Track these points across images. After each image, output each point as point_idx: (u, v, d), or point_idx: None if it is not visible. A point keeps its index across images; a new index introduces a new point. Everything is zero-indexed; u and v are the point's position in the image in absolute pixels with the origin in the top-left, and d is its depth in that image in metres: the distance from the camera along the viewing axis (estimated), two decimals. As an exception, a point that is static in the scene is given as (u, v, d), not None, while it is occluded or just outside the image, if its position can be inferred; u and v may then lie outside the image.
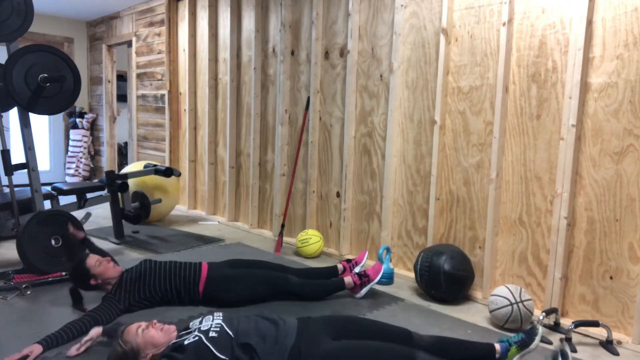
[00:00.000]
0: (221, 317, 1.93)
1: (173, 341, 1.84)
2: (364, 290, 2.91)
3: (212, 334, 1.82)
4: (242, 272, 2.75)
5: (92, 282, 2.49)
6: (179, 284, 2.58)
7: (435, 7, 3.16)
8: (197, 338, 1.80)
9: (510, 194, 2.89)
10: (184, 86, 5.36)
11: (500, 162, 2.90)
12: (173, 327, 1.92)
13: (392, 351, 1.86)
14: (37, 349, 2.03)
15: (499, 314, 2.56)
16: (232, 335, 1.83)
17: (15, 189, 3.31)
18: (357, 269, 3.09)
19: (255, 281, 2.73)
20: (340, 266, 3.09)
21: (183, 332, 1.90)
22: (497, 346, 2.04)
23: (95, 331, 2.17)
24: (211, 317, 1.95)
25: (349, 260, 3.12)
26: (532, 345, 2.02)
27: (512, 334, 2.26)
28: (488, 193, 2.95)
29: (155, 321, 1.90)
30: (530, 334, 2.05)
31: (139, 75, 6.04)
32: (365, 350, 1.85)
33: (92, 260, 2.52)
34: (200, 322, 1.92)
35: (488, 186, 2.96)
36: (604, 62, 2.50)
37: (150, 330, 1.84)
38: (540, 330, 2.06)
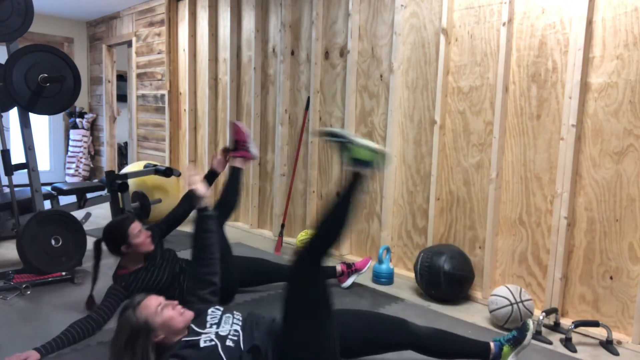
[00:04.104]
0: (240, 323, 1.81)
1: (187, 338, 1.71)
2: (350, 280, 3.05)
3: (228, 342, 1.71)
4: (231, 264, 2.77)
5: (124, 248, 2.42)
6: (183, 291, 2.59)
7: (435, 7, 3.16)
8: (213, 343, 1.69)
9: (510, 194, 2.89)
10: (184, 86, 5.36)
11: (500, 162, 2.90)
12: (192, 314, 1.78)
13: (385, 318, 2.01)
14: (34, 355, 1.97)
15: (499, 314, 2.56)
16: (242, 349, 1.72)
17: (15, 189, 3.31)
18: (354, 277, 3.11)
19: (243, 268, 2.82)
20: (339, 268, 3.09)
21: (197, 328, 1.76)
22: (492, 345, 2.04)
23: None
24: (231, 317, 1.83)
25: (349, 266, 3.11)
26: (525, 342, 2.02)
27: (506, 333, 2.26)
28: (488, 193, 2.95)
29: (176, 302, 1.78)
30: (522, 330, 2.05)
31: (139, 75, 6.04)
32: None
33: (136, 227, 2.45)
34: (219, 324, 1.78)
35: (488, 186, 2.96)
36: (604, 62, 2.50)
37: (170, 311, 1.71)
38: (532, 325, 2.06)
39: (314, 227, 1.88)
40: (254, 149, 2.95)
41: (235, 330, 1.76)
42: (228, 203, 2.92)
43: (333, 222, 1.85)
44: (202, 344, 1.67)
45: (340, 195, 1.88)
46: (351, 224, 1.89)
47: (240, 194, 2.95)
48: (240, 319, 1.84)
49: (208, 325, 1.77)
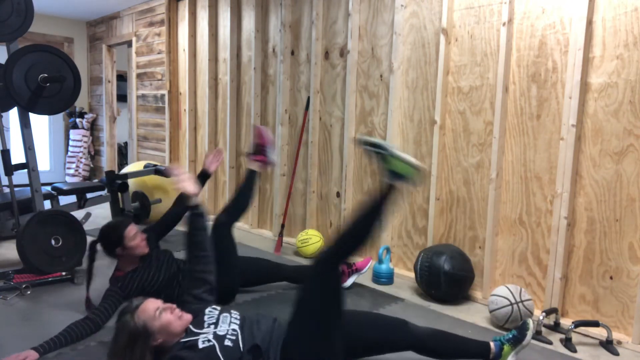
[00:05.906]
0: (238, 322, 1.81)
1: (185, 339, 1.71)
2: (350, 280, 3.04)
3: (227, 342, 1.71)
4: (239, 266, 2.83)
5: (119, 251, 2.46)
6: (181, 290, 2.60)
7: (435, 7, 3.16)
8: (211, 344, 1.69)
9: (510, 194, 2.89)
10: (184, 86, 5.36)
11: (500, 162, 2.90)
12: (190, 317, 1.79)
13: (386, 319, 1.97)
14: (33, 355, 1.98)
15: (499, 314, 2.56)
16: (242, 349, 1.72)
17: (15, 189, 3.31)
18: (354, 277, 3.10)
19: (250, 269, 2.89)
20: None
21: (195, 329, 1.75)
22: (492, 345, 2.04)
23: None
24: (229, 317, 1.82)
25: (349, 265, 3.11)
26: (525, 341, 2.03)
27: (506, 332, 2.26)
28: (488, 193, 2.95)
29: (174, 306, 1.78)
30: (522, 329, 2.06)
31: (139, 75, 6.04)
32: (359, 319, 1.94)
33: (132, 230, 2.48)
34: (217, 324, 1.78)
35: (488, 186, 2.96)
36: (604, 62, 2.50)
37: (168, 315, 1.72)
38: (531, 325, 2.07)
39: (338, 231, 1.89)
40: (273, 155, 2.97)
41: (234, 330, 1.76)
42: (239, 205, 2.93)
43: (359, 230, 1.87)
44: (200, 345, 1.68)
45: (370, 203, 1.88)
46: (377, 233, 1.89)
47: (253, 197, 2.96)
48: (238, 317, 1.84)
49: (206, 325, 1.77)
